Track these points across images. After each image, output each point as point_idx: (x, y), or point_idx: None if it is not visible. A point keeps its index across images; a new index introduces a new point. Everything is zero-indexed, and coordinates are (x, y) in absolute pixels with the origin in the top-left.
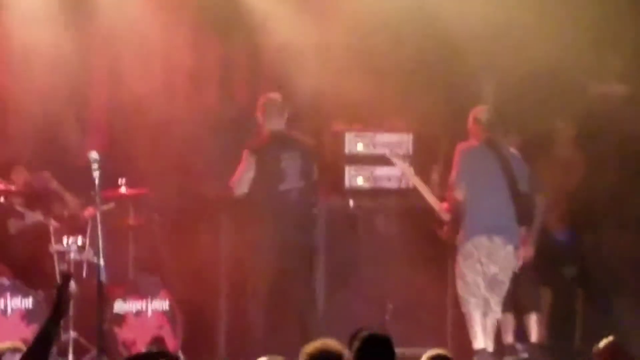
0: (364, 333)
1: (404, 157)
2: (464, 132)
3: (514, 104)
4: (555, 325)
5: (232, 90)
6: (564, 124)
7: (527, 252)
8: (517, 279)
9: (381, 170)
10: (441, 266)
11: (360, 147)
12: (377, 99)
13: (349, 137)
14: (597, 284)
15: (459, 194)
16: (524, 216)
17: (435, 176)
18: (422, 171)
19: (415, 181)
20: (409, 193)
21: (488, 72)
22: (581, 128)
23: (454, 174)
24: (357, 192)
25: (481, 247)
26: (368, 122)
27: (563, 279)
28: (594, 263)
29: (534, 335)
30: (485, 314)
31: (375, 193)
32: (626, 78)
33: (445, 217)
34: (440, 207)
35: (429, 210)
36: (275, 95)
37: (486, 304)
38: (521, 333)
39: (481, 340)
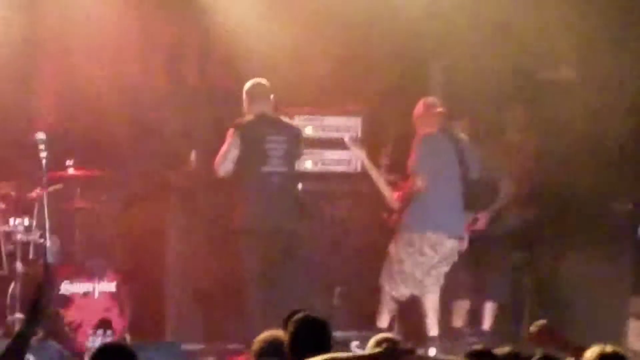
0: (299, 315)
1: (360, 143)
2: (411, 116)
3: (463, 89)
4: (505, 311)
5: (182, 72)
6: (514, 109)
7: (481, 223)
8: (477, 266)
9: (330, 154)
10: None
11: (309, 130)
12: (326, 82)
13: (298, 119)
14: (546, 271)
15: (420, 182)
16: (472, 203)
17: (384, 160)
18: (371, 155)
19: (370, 168)
20: (357, 177)
21: (437, 57)
22: (531, 113)
23: (414, 161)
24: (305, 176)
25: (427, 239)
26: (317, 105)
27: (513, 264)
28: (544, 248)
29: (487, 322)
30: (422, 295)
31: (323, 177)
32: (574, 62)
33: (395, 205)
34: (391, 195)
35: (377, 195)
36: (262, 80)
37: (421, 286)
38: (472, 319)
39: (385, 320)
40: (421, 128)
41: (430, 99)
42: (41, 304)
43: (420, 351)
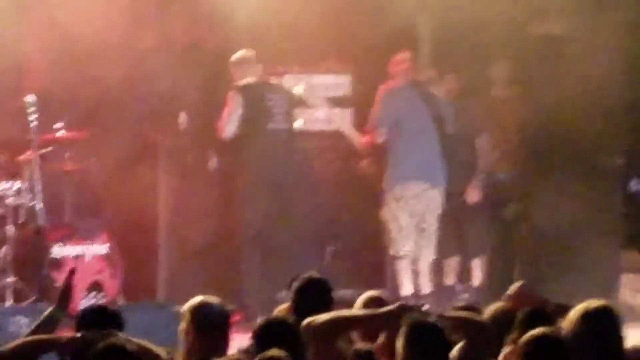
0: (303, 277)
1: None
2: None
3: (451, 44)
4: (495, 267)
5: (169, 32)
6: (499, 64)
7: (474, 196)
8: (464, 223)
9: (320, 113)
10: (379, 208)
11: (299, 89)
12: (313, 41)
13: (288, 79)
14: (536, 225)
15: (379, 138)
16: (450, 157)
17: None
18: (361, 112)
19: (337, 119)
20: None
21: (425, 13)
22: (520, 68)
23: (375, 114)
24: (296, 134)
25: (409, 189)
26: (305, 63)
27: (503, 219)
28: (535, 205)
29: (476, 279)
30: (416, 259)
31: (314, 135)
32: (565, 17)
33: (365, 151)
34: (359, 141)
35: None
36: (248, 52)
37: (417, 249)
38: (464, 275)
39: (409, 288)
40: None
41: (402, 55)
42: (70, 288)
43: None
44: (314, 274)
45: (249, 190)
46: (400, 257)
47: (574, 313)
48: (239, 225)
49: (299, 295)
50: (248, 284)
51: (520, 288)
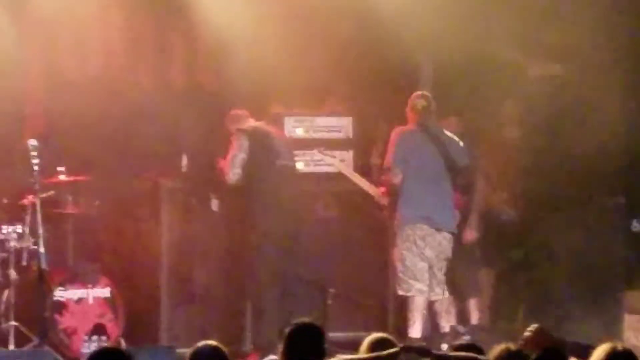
0: (295, 322)
1: (330, 152)
2: (403, 115)
3: (453, 86)
4: (499, 307)
5: (168, 74)
6: (510, 105)
7: (469, 235)
8: (456, 264)
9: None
10: (382, 250)
11: (300, 132)
12: (314, 82)
13: (288, 121)
14: (541, 267)
15: (395, 178)
16: (465, 187)
17: (375, 159)
18: (363, 154)
19: (349, 172)
20: (348, 177)
21: (426, 54)
22: (521, 108)
23: (389, 157)
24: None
25: (418, 230)
26: (307, 105)
27: (508, 260)
28: (539, 246)
29: (473, 318)
30: (426, 299)
31: (315, 177)
32: (564, 58)
33: (384, 201)
34: (377, 192)
35: (368, 194)
36: (241, 111)
37: (429, 289)
38: (462, 316)
39: (418, 330)
40: (409, 120)
41: (415, 96)
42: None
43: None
44: (307, 320)
45: (263, 230)
46: (409, 297)
47: (600, 352)
48: (255, 266)
49: (291, 341)
50: (267, 323)
51: (538, 330)
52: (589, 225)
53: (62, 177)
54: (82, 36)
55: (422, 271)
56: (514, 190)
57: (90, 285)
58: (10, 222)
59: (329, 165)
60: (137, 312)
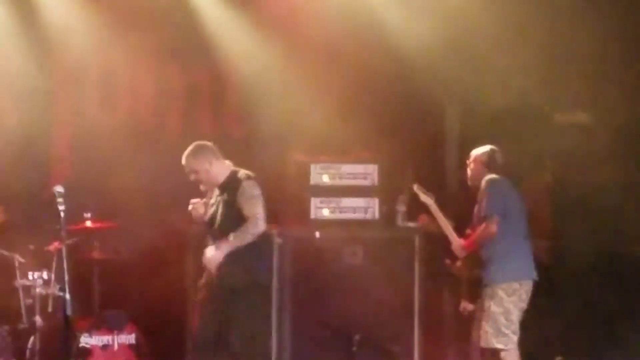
0: None
1: (429, 192)
2: (428, 162)
3: (480, 132)
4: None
5: (195, 120)
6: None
7: None
8: None
9: (347, 202)
10: (408, 296)
11: (325, 179)
12: (340, 130)
13: (314, 168)
14: (572, 313)
15: (494, 227)
16: None
17: (401, 207)
18: (388, 201)
19: (439, 216)
20: (374, 224)
21: (453, 101)
22: (548, 156)
23: (486, 205)
24: (322, 223)
25: (525, 285)
26: (332, 152)
27: (538, 309)
28: (567, 292)
29: None
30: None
31: (341, 224)
32: (590, 106)
33: (461, 254)
34: (458, 243)
35: (393, 242)
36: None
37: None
38: None
39: None
40: (481, 174)
41: (491, 149)
42: None
43: None
44: None
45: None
46: (505, 350)
47: None
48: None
49: None
50: None
51: None
52: (617, 274)
53: (89, 224)
54: (110, 82)
55: (517, 323)
56: (538, 235)
57: (115, 332)
58: (37, 268)
59: (423, 200)
60: (162, 359)
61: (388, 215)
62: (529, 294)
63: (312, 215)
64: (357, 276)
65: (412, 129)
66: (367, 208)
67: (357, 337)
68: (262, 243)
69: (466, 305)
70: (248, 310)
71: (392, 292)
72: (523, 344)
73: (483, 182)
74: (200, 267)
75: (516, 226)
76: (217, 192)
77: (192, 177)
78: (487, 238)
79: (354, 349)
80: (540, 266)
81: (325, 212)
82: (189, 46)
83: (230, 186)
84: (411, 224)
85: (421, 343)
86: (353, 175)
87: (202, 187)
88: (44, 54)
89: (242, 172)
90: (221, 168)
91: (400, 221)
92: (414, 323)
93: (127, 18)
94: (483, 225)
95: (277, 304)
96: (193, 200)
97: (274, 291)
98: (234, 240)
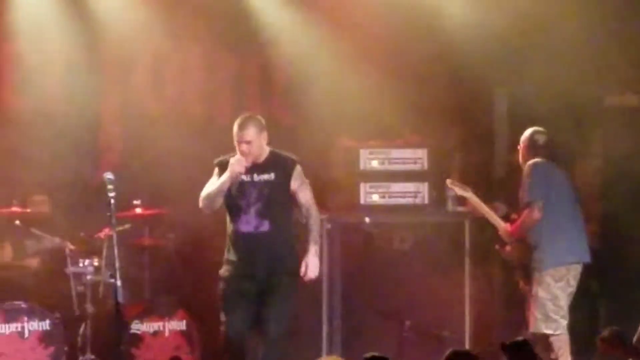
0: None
1: (463, 185)
2: (477, 146)
3: (528, 117)
4: (581, 340)
5: (244, 107)
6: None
7: None
8: None
9: (396, 187)
10: (459, 281)
11: (375, 164)
12: (389, 114)
13: (363, 153)
14: (619, 297)
15: (538, 213)
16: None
17: (450, 191)
18: (438, 186)
19: (480, 206)
20: (424, 209)
21: (502, 86)
22: (598, 139)
23: (528, 191)
24: (372, 208)
25: (573, 270)
26: (379, 137)
27: (587, 292)
28: (616, 275)
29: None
30: (560, 332)
31: (390, 209)
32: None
33: (509, 239)
34: (504, 229)
35: (444, 226)
36: None
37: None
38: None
39: None
40: (527, 157)
41: (534, 130)
42: None
43: None
44: (376, 354)
45: None
46: (554, 335)
47: None
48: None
49: None
50: None
51: (615, 332)
52: None
53: (139, 210)
54: (158, 69)
55: (566, 308)
56: (590, 221)
57: (166, 318)
58: (87, 255)
59: (460, 194)
60: (213, 345)
61: (438, 200)
62: (578, 279)
63: (362, 201)
64: (407, 261)
65: (461, 112)
66: (416, 193)
67: (407, 323)
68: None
69: (523, 287)
70: (292, 294)
71: (442, 277)
72: (573, 328)
73: (525, 167)
74: None
75: (561, 209)
76: (253, 169)
77: (244, 147)
78: (531, 223)
79: (405, 334)
80: (590, 251)
81: (375, 198)
82: (237, 33)
83: (281, 166)
84: (461, 209)
85: (472, 328)
86: (402, 160)
87: (234, 160)
88: (93, 43)
89: (289, 154)
90: (265, 145)
91: (450, 206)
92: (465, 308)
93: (176, 5)
94: (526, 210)
95: (327, 290)
96: (238, 156)
97: (324, 277)
98: (319, 238)
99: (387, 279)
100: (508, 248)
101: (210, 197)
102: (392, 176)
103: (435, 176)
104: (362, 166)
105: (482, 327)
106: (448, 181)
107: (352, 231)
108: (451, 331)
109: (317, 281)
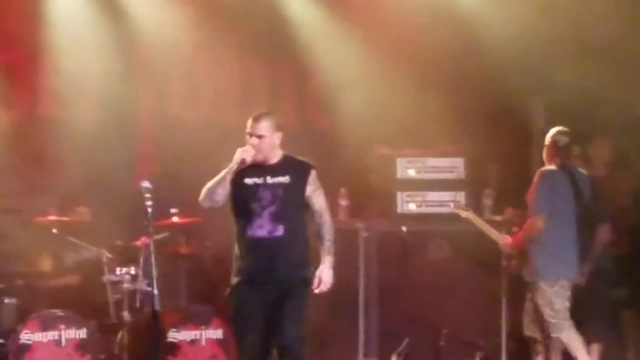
0: None
1: (465, 206)
2: (515, 156)
3: (565, 124)
4: (609, 349)
5: (278, 113)
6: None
7: (581, 281)
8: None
9: (433, 195)
10: (495, 290)
11: (412, 173)
12: (426, 122)
13: (400, 162)
14: None
15: (540, 223)
16: (582, 250)
17: (487, 200)
18: (475, 195)
19: (480, 223)
20: (460, 217)
21: (538, 94)
22: (625, 148)
23: (534, 199)
24: (409, 217)
25: (565, 276)
26: (415, 146)
27: (613, 301)
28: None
29: None
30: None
31: (427, 218)
32: None
33: (512, 252)
34: (505, 243)
35: (481, 235)
36: None
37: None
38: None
39: (586, 356)
40: (548, 157)
41: (558, 130)
42: None
43: None
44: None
45: None
46: (563, 335)
47: None
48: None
49: None
50: None
51: None
52: None
53: (175, 219)
54: (193, 77)
55: (567, 309)
56: (616, 230)
57: (203, 327)
58: (124, 264)
59: (464, 217)
60: None
61: (475, 209)
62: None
63: (399, 210)
64: (444, 270)
65: (498, 121)
66: (453, 202)
67: (444, 331)
68: None
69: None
70: (305, 301)
71: (479, 286)
72: (601, 336)
73: (537, 173)
74: None
75: (562, 224)
76: (266, 172)
77: (255, 141)
78: (533, 233)
79: (442, 343)
80: (621, 257)
81: (412, 206)
82: (271, 40)
83: (296, 169)
84: (498, 217)
85: (509, 337)
86: (439, 168)
87: (239, 155)
88: (128, 52)
89: (304, 158)
90: (278, 147)
91: (487, 214)
92: (502, 317)
93: (210, 13)
94: (530, 220)
95: (363, 297)
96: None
97: (360, 285)
98: (333, 246)
99: (423, 287)
100: (514, 262)
101: (210, 188)
102: (428, 185)
103: (472, 185)
104: (399, 175)
105: (518, 336)
106: (452, 205)
107: (389, 239)
108: (487, 339)
109: (354, 289)
